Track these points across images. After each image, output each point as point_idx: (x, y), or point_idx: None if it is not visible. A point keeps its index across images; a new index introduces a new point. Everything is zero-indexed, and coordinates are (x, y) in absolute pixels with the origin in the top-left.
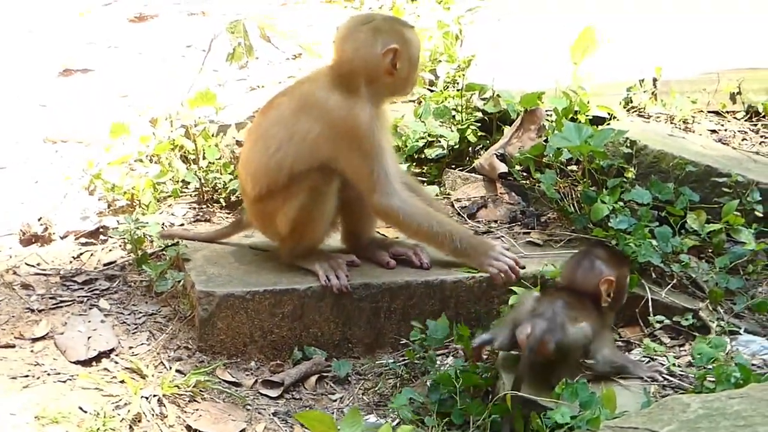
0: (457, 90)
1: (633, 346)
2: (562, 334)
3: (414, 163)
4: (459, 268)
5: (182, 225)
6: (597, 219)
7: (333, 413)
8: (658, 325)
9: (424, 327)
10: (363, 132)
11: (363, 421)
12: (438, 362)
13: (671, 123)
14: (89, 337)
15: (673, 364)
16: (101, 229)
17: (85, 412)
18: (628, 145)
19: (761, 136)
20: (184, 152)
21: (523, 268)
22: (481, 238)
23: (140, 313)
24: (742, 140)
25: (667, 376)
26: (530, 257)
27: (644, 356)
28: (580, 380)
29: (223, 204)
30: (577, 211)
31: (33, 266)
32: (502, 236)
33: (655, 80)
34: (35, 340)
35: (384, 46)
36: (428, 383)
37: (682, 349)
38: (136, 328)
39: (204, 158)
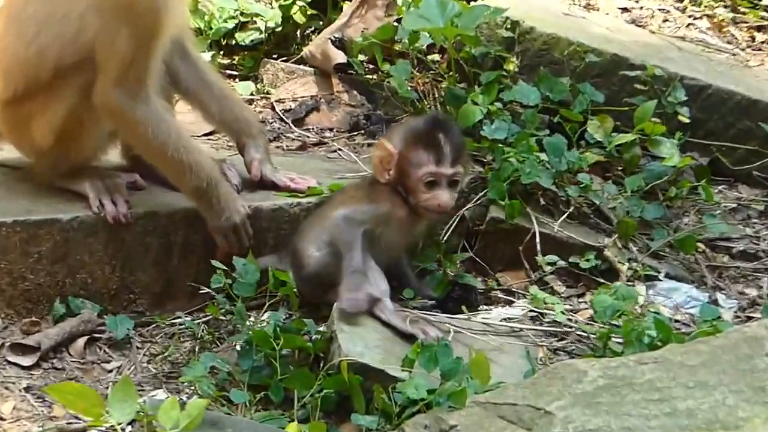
0: None
1: (516, 296)
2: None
3: (221, 52)
4: (279, 193)
5: None
6: (467, 126)
7: (108, 387)
8: (548, 269)
9: (230, 269)
10: (146, 5)
11: (138, 396)
12: (250, 318)
13: None
14: None
15: (569, 320)
16: None
17: None
18: (509, 26)
19: (689, 16)
20: None
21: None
22: (235, 194)
23: None
24: (663, 21)
25: (561, 332)
26: None
27: (531, 310)
28: (441, 341)
29: None
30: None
31: None
32: (338, 149)
33: None
34: None
35: None
36: (237, 346)
37: (581, 300)
38: None
39: None
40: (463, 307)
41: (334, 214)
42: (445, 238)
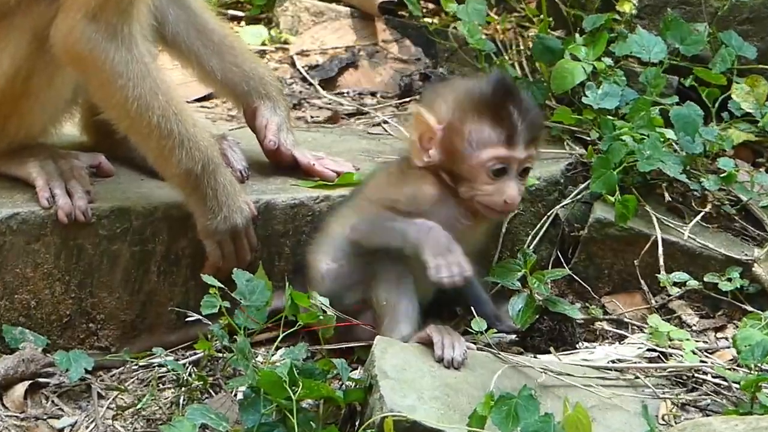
0: None
1: (629, 329)
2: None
3: None
4: (299, 180)
5: None
6: (563, 89)
7: None
8: (675, 291)
9: (228, 288)
10: None
11: None
12: (257, 357)
13: None
14: None
15: (703, 362)
16: None
17: None
18: None
19: None
20: None
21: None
22: (237, 186)
23: None
24: None
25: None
26: None
27: (650, 348)
28: (523, 391)
29: None
30: (528, 74)
31: None
32: (383, 122)
33: None
34: None
35: None
36: (238, 395)
37: (720, 335)
38: None
39: None
40: (555, 344)
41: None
42: (532, 247)
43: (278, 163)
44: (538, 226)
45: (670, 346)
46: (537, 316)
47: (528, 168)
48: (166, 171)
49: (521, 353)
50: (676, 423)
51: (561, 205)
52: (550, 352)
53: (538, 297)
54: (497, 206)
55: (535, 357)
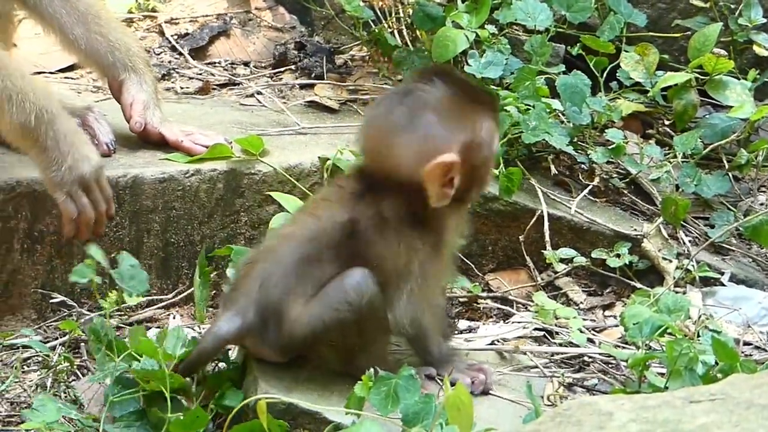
0: None
1: (515, 307)
2: (276, 333)
3: None
4: (169, 154)
5: None
6: (445, 58)
7: None
8: (562, 268)
9: (95, 268)
10: None
11: None
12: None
13: None
14: None
15: (590, 341)
16: None
17: None
18: None
19: None
20: None
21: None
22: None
23: None
24: None
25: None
26: (316, 131)
27: (536, 327)
28: (404, 371)
29: None
30: (409, 43)
31: None
32: (256, 92)
33: None
34: None
35: None
36: (106, 381)
37: (608, 313)
38: None
39: None
40: None
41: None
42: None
43: (146, 141)
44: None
45: (556, 325)
46: None
47: None
48: (3, 130)
49: None
50: (562, 403)
51: None
52: None
53: None
54: None
55: None
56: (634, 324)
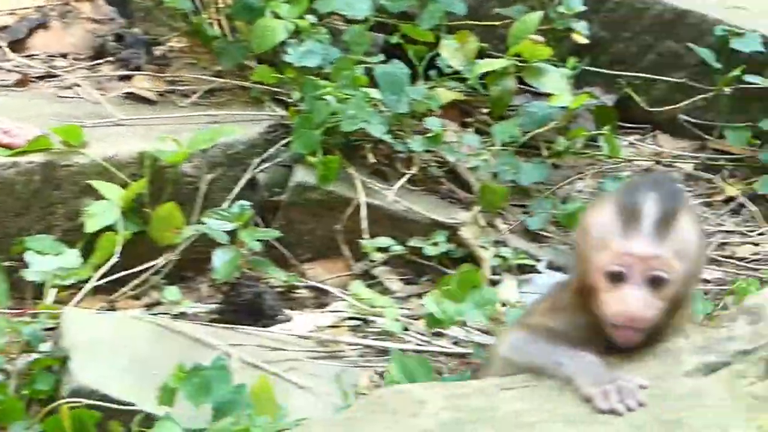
0: None
1: (331, 297)
2: None
3: None
4: None
5: None
6: (264, 48)
7: None
8: (379, 257)
9: None
10: None
11: None
12: None
13: None
14: None
15: (406, 330)
16: None
17: None
18: None
19: None
20: None
21: None
22: None
23: None
24: None
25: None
26: (135, 123)
27: (351, 317)
28: (216, 362)
29: None
30: (228, 33)
31: None
32: (74, 84)
33: None
34: None
35: None
36: None
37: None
38: None
39: None
40: (254, 317)
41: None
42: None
43: None
44: (235, 189)
45: (372, 314)
46: (236, 284)
47: (660, 278)
48: None
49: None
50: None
51: (259, 168)
52: (250, 324)
53: (247, 253)
54: (614, 318)
55: (230, 328)
56: (439, 313)
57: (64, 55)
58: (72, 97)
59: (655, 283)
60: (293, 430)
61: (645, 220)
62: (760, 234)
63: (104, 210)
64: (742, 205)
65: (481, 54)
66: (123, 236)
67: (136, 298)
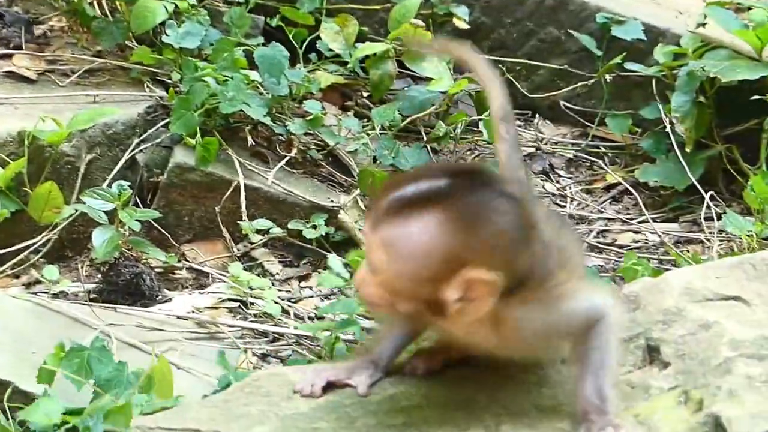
0: None
1: (210, 278)
2: None
3: None
4: None
5: None
6: (144, 29)
7: None
8: (258, 239)
9: None
10: None
11: None
12: None
13: None
14: None
15: (285, 313)
16: None
17: None
18: None
19: None
20: None
21: None
22: None
23: None
24: None
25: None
26: (14, 101)
27: (231, 298)
28: (96, 343)
29: None
30: (108, 13)
31: None
32: None
33: None
34: None
35: None
36: None
37: (304, 284)
38: None
39: None
40: (133, 297)
41: None
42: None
43: None
44: (115, 169)
45: (252, 296)
46: (115, 264)
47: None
48: None
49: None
50: None
51: (138, 149)
52: (129, 305)
53: (126, 233)
54: None
55: (107, 307)
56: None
57: None
58: None
59: (371, 265)
60: (171, 410)
61: (382, 204)
62: (640, 222)
63: None
64: (623, 193)
65: (362, 38)
66: (1, 214)
67: (16, 276)
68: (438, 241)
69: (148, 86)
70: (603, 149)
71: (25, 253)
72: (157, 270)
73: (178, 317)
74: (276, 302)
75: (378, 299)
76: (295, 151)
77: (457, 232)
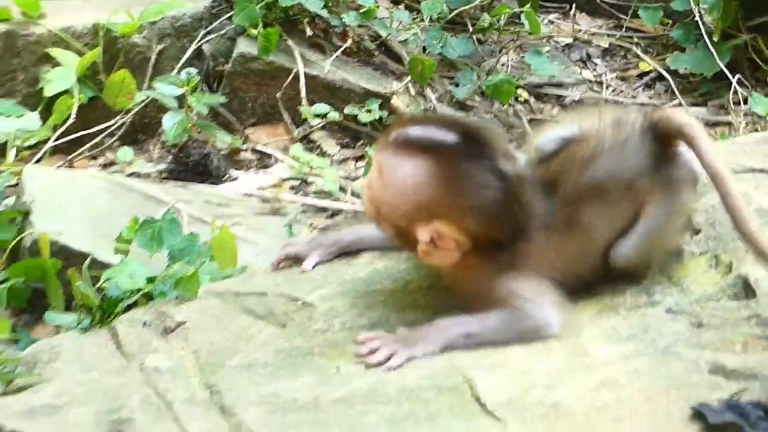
0: None
1: (272, 159)
2: None
3: None
4: None
5: None
6: None
7: None
8: (317, 123)
9: None
10: None
11: None
12: None
13: None
14: None
15: (342, 190)
16: None
17: None
18: None
19: None
20: None
21: None
22: None
23: None
24: None
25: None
26: None
27: (292, 177)
28: (167, 215)
29: None
30: None
31: None
32: None
33: None
34: None
35: None
36: None
37: (360, 165)
38: None
39: None
40: (202, 177)
41: None
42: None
43: None
44: (183, 59)
45: (311, 174)
46: (184, 146)
47: None
48: None
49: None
50: None
51: (205, 40)
52: (198, 183)
53: (194, 117)
54: None
55: (180, 185)
56: None
57: None
58: None
59: (369, 179)
60: (239, 277)
61: (394, 132)
62: (672, 106)
63: (61, 76)
64: (655, 80)
65: None
66: (79, 99)
67: (93, 158)
68: (420, 186)
69: None
70: (636, 39)
71: (101, 137)
72: (223, 151)
73: (244, 194)
74: (335, 181)
75: (367, 211)
76: (350, 41)
77: (440, 187)
